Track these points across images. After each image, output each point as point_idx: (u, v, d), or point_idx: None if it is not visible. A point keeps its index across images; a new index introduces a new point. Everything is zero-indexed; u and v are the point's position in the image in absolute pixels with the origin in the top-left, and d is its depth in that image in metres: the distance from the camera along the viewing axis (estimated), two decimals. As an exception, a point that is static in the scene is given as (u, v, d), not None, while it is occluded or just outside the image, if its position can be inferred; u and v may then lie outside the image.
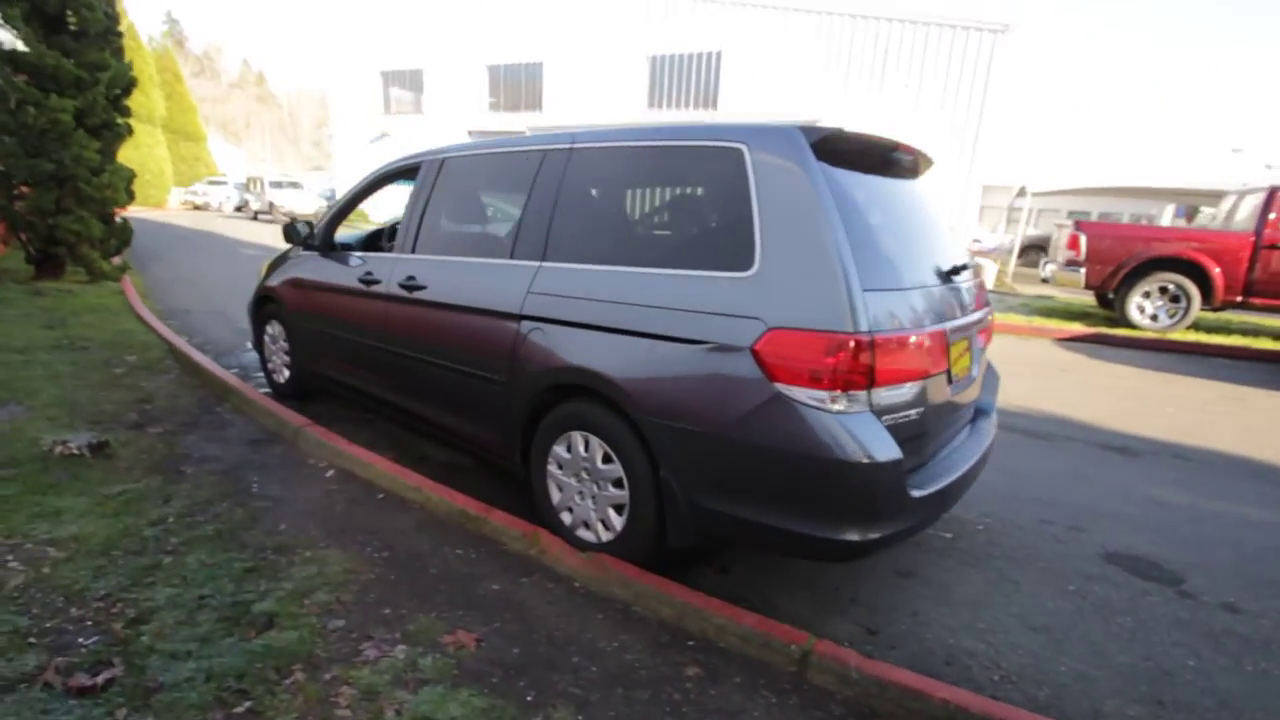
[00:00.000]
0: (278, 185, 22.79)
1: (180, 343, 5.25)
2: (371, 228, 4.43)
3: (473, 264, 2.95)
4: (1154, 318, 8.36)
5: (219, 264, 11.51)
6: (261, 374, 4.85)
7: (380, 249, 4.13)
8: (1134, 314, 8.40)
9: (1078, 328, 8.46)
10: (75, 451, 3.12)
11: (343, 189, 25.65)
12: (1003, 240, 21.26)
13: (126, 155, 9.30)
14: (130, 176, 8.08)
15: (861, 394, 1.92)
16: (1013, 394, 5.37)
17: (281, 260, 4.40)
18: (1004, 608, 2.48)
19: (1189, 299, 8.04)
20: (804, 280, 1.96)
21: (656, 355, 2.20)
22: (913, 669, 2.06)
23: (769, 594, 2.48)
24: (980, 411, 2.88)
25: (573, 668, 1.93)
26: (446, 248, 3.20)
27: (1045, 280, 9.88)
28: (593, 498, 2.50)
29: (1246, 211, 8.27)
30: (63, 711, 1.62)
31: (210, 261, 11.79)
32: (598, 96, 19.98)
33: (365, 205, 24.39)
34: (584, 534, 2.56)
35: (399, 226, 3.40)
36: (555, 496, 2.64)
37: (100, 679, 1.71)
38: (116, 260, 8.28)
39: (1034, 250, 19.69)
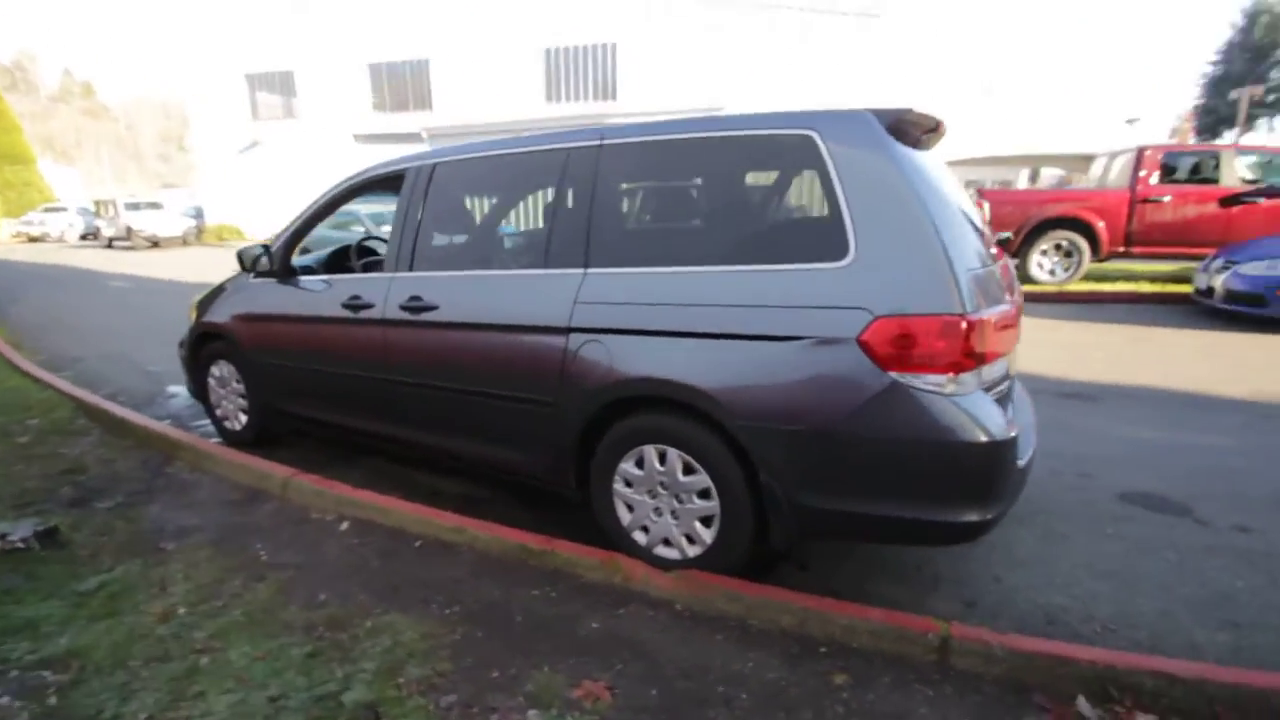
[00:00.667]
0: (134, 207, 20.31)
1: (90, 397, 4.50)
2: (327, 248, 3.98)
3: (496, 277, 2.69)
4: (1052, 272, 9.21)
5: (89, 300, 10.08)
6: (205, 422, 4.28)
7: (349, 270, 3.72)
8: (1035, 270, 9.21)
9: (990, 287, 9.15)
10: (20, 545, 2.57)
11: (212, 205, 23.24)
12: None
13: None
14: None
15: (973, 374, 1.92)
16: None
17: (219, 292, 3.87)
18: (1065, 559, 2.60)
19: (1080, 253, 8.92)
20: (907, 265, 1.92)
21: (747, 357, 2.10)
22: (1025, 633, 2.11)
23: (859, 583, 2.46)
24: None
25: (722, 699, 1.81)
26: (454, 262, 2.91)
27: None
28: (672, 513, 2.36)
29: (1117, 171, 9.27)
30: None
31: (78, 298, 10.30)
32: (492, 92, 19.29)
33: (237, 219, 22.34)
34: (664, 552, 2.42)
35: (389, 243, 3.05)
36: (625, 517, 2.47)
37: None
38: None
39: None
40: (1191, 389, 4.72)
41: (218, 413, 3.96)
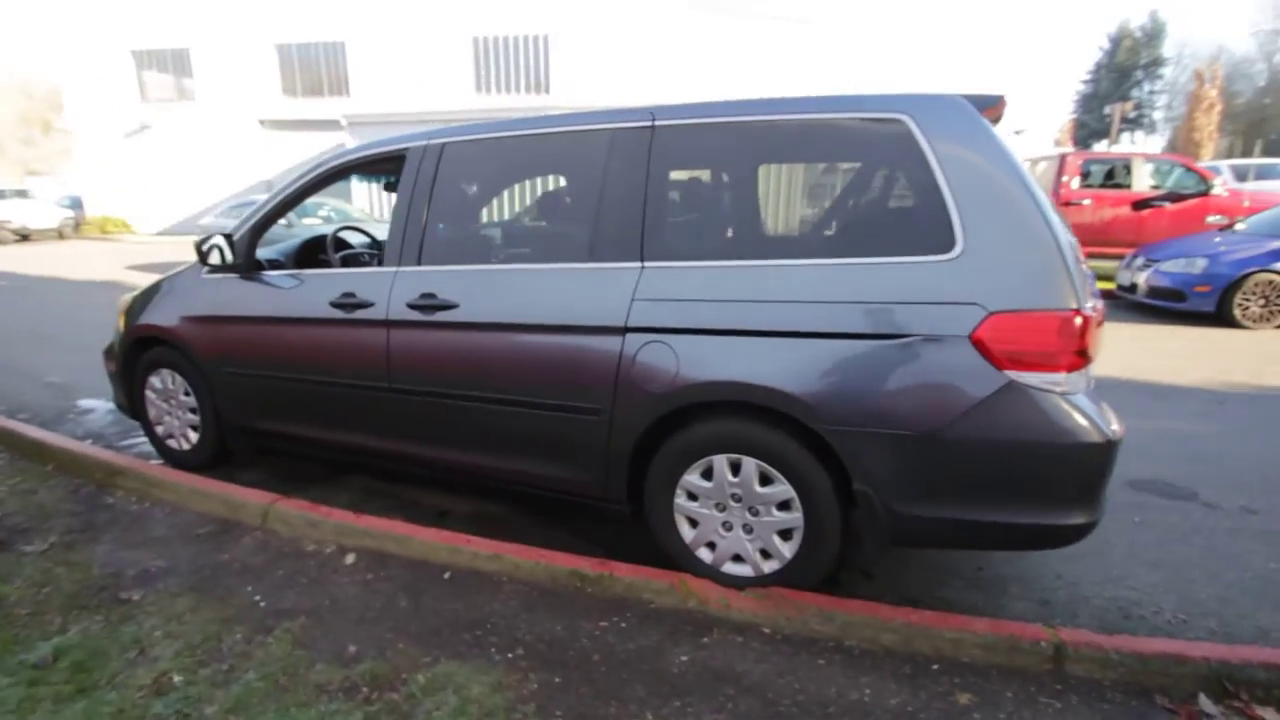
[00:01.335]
0: (-2, 195, 17.83)
1: (-14, 417, 3.77)
2: (293, 239, 3.49)
3: (528, 272, 2.40)
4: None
5: (-50, 303, 8.66)
6: (137, 440, 3.69)
7: (324, 264, 3.27)
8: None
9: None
10: (-66, 610, 2.04)
11: (93, 195, 20.76)
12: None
13: None
14: None
15: (1082, 373, 1.85)
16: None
17: (157, 291, 3.32)
18: (1113, 551, 2.62)
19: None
20: (1020, 257, 1.82)
21: (842, 356, 1.94)
22: (1107, 630, 2.09)
23: (929, 590, 2.36)
24: None
25: (854, 734, 1.64)
26: (475, 254, 2.58)
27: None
28: (745, 527, 2.18)
29: (1039, 176, 9.90)
30: None
31: (-66, 301, 8.82)
32: (417, 79, 18.28)
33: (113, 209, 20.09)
34: (734, 569, 2.22)
35: (390, 233, 2.68)
36: (688, 533, 2.26)
37: None
38: None
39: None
40: (1147, 379, 5.02)
41: (158, 430, 3.40)
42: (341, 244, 3.34)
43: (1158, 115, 48.24)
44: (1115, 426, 1.85)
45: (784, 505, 2.10)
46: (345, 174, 2.95)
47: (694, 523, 2.25)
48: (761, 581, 2.18)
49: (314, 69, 19.27)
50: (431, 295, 2.50)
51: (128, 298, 3.47)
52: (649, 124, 2.27)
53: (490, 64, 18.35)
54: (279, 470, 3.41)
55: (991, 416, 1.82)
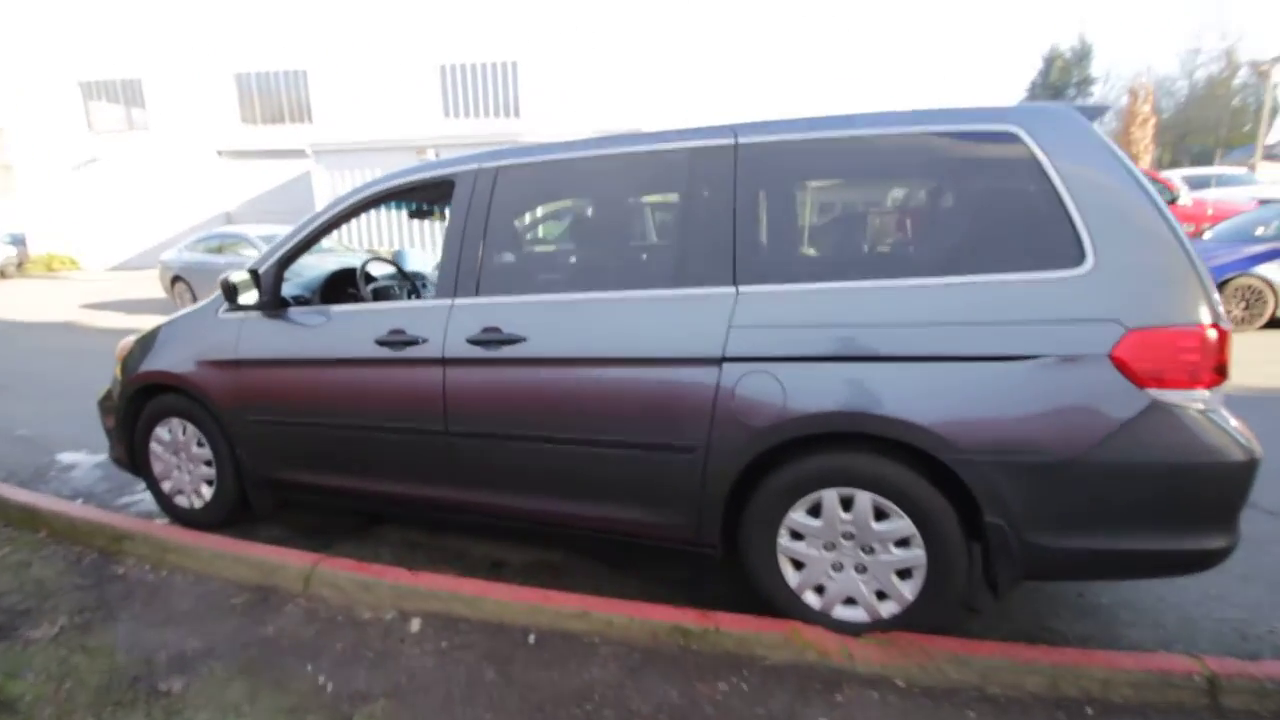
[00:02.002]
0: (-71, 233, 16.70)
1: (-43, 480, 3.38)
2: (315, 272, 3.25)
3: (604, 301, 2.23)
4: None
5: (-114, 351, 7.96)
6: (134, 498, 3.36)
7: (355, 299, 3.05)
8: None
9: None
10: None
11: (37, 231, 19.62)
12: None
13: None
14: None
15: (1221, 388, 1.78)
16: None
17: (160, 334, 3.04)
18: (1199, 568, 2.56)
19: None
20: (1155, 270, 1.76)
21: (968, 381, 1.83)
22: (1231, 654, 2.01)
23: (1041, 621, 2.26)
24: None
25: (1038, 798, 1.50)
26: (540, 284, 2.41)
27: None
28: (858, 566, 2.03)
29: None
30: None
31: None
32: (383, 106, 17.96)
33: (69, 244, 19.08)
34: (845, 614, 2.07)
35: (442, 264, 2.48)
36: (793, 576, 2.11)
37: None
38: None
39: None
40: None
41: (165, 486, 3.08)
42: (369, 277, 3.12)
43: (1092, 131, 50.81)
44: (1256, 444, 1.78)
45: (903, 542, 1.97)
46: (381, 202, 2.75)
47: (799, 565, 2.10)
48: (880, 626, 2.03)
49: (274, 98, 18.76)
50: (495, 329, 2.31)
51: (128, 342, 3.17)
52: (731, 142, 2.15)
53: (458, 90, 18.17)
54: (301, 525, 3.13)
55: (1136, 438, 1.73)
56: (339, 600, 2.37)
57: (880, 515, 1.97)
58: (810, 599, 2.11)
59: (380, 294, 3.15)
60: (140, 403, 3.04)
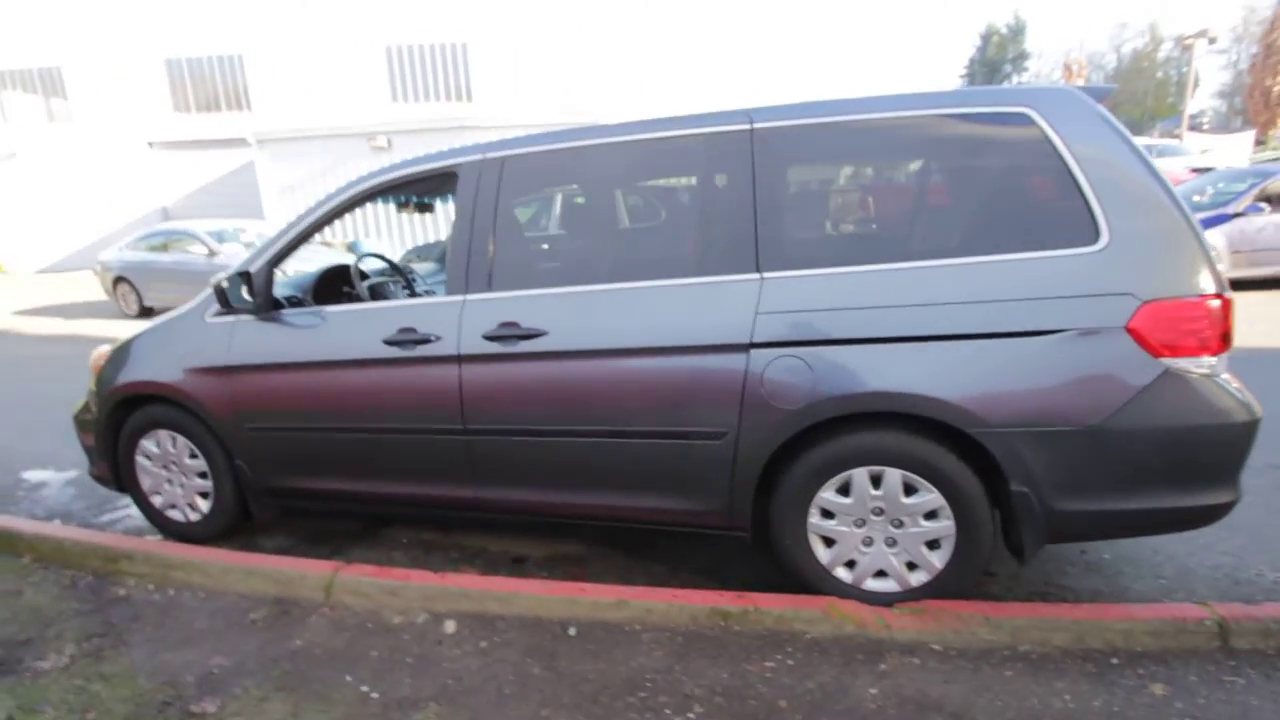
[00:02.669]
0: None
1: (-83, 507, 3.15)
2: (308, 270, 3.11)
3: (625, 291, 2.21)
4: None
5: None
6: (117, 515, 3.21)
7: (352, 298, 2.94)
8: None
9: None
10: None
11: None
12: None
13: None
14: None
15: (1226, 354, 1.89)
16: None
17: (141, 341, 2.88)
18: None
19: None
20: (1164, 246, 1.85)
21: (993, 356, 1.90)
22: (1227, 598, 2.17)
23: (1053, 579, 2.38)
24: None
25: (1084, 746, 1.59)
26: (556, 276, 2.37)
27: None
28: (888, 540, 2.10)
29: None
30: None
31: None
32: (327, 91, 17.21)
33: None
34: (877, 585, 2.15)
35: (450, 259, 2.42)
36: (824, 554, 2.16)
37: None
38: None
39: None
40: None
41: (155, 501, 2.94)
42: (364, 275, 3.01)
43: (1028, 104, 52.65)
44: (1256, 405, 1.91)
45: (931, 515, 2.04)
46: (379, 196, 2.65)
47: (829, 542, 2.16)
48: (911, 595, 2.11)
49: (208, 84, 17.77)
50: (513, 324, 2.27)
51: (103, 351, 2.99)
52: (747, 127, 2.15)
53: (406, 73, 17.56)
54: (305, 533, 3.05)
55: (1151, 404, 1.83)
56: (365, 607, 2.32)
57: (909, 490, 2.04)
58: (841, 574, 2.17)
59: (376, 291, 3.05)
60: (122, 415, 2.89)
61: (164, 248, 9.68)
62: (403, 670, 2.00)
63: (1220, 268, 1.87)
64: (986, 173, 2.03)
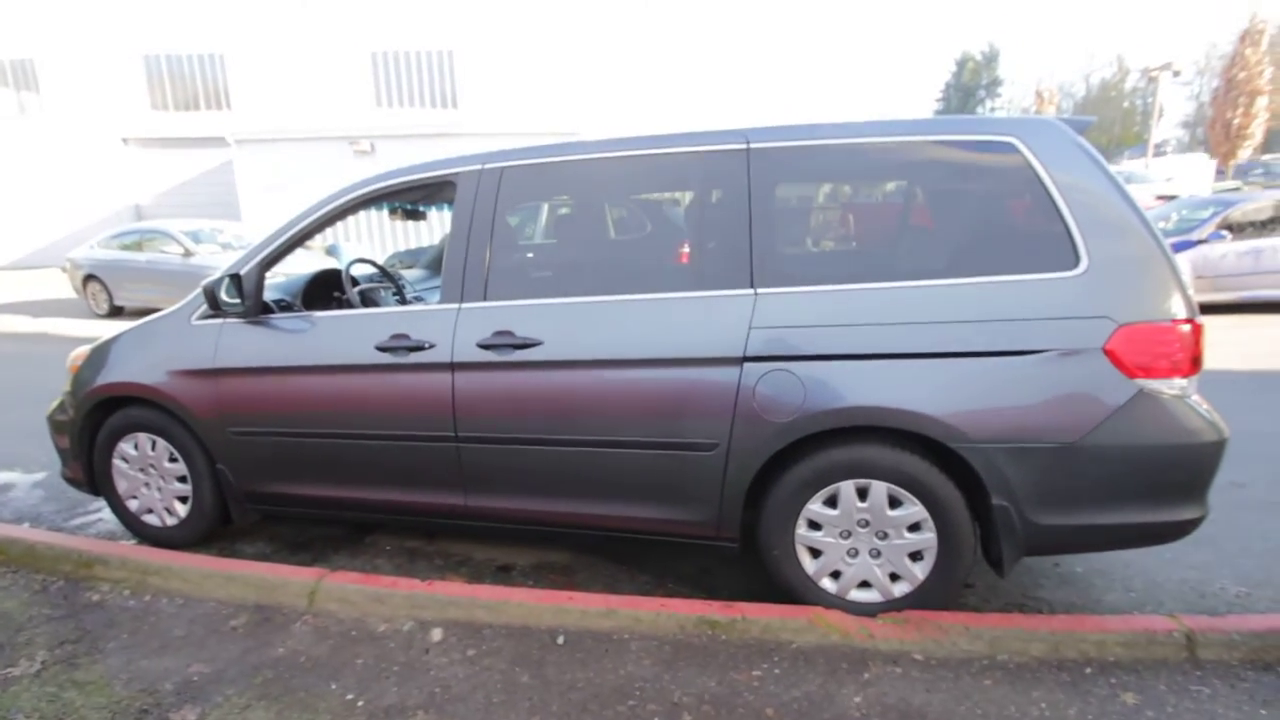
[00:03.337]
0: None
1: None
2: (296, 275, 3.09)
3: (625, 303, 2.24)
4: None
5: None
6: (88, 519, 3.14)
7: (341, 303, 2.93)
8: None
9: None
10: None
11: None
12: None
13: None
14: None
15: (1196, 376, 1.98)
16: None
17: (121, 341, 2.83)
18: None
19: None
20: (1140, 271, 1.93)
21: (977, 375, 1.97)
22: (1194, 611, 2.26)
23: (1028, 591, 2.45)
24: None
25: (1061, 754, 1.65)
26: (551, 287, 2.39)
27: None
28: (872, 551, 2.15)
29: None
30: None
31: None
32: (309, 94, 17.05)
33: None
34: (860, 596, 2.19)
35: (446, 267, 2.43)
36: (810, 564, 2.20)
37: None
38: None
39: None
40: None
41: (131, 505, 2.88)
42: (354, 280, 3.00)
43: (1001, 130, 54.44)
44: (1224, 425, 2.00)
45: (914, 527, 2.09)
46: (375, 202, 2.66)
47: (815, 553, 2.20)
48: (893, 606, 2.16)
49: (187, 82, 17.49)
50: (508, 333, 2.28)
51: (81, 351, 2.93)
52: (743, 146, 2.21)
53: (391, 79, 17.49)
54: (286, 539, 3.01)
55: (1125, 423, 1.91)
56: (349, 615, 2.30)
57: (894, 503, 2.09)
58: (827, 584, 2.21)
59: (366, 297, 3.04)
60: (100, 417, 2.83)
61: (138, 246, 9.47)
62: (389, 679, 1.98)
63: None
64: (973, 198, 2.11)
